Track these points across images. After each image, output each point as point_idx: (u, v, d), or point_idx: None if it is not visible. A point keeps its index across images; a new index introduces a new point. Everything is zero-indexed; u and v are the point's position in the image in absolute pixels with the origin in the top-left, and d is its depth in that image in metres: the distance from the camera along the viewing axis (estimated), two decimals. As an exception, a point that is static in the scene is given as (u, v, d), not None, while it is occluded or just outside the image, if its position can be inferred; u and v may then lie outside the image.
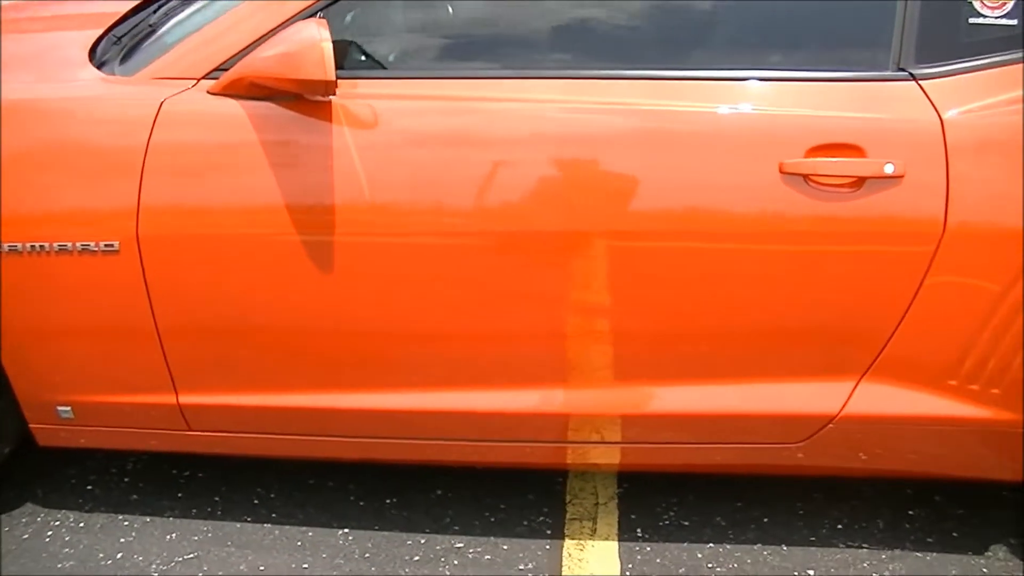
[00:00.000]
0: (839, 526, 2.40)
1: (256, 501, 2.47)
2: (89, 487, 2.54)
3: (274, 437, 2.24)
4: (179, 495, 2.50)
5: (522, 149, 1.98)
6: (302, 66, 1.86)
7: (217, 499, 2.48)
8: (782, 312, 2.03)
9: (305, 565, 2.26)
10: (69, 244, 2.05)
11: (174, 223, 2.03)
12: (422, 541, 2.33)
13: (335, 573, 2.23)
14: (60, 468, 2.60)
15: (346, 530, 2.37)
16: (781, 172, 1.93)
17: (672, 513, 2.44)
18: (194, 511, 2.44)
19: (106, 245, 2.05)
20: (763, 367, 2.08)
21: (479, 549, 2.30)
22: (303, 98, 1.99)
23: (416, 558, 2.28)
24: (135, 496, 2.50)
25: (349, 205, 1.99)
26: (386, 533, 2.36)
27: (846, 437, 2.12)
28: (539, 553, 2.29)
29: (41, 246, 2.06)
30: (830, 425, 2.10)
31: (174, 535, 2.36)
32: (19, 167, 2.05)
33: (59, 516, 2.42)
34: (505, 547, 2.32)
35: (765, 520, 2.42)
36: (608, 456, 2.24)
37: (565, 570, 2.24)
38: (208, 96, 2.04)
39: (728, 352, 2.08)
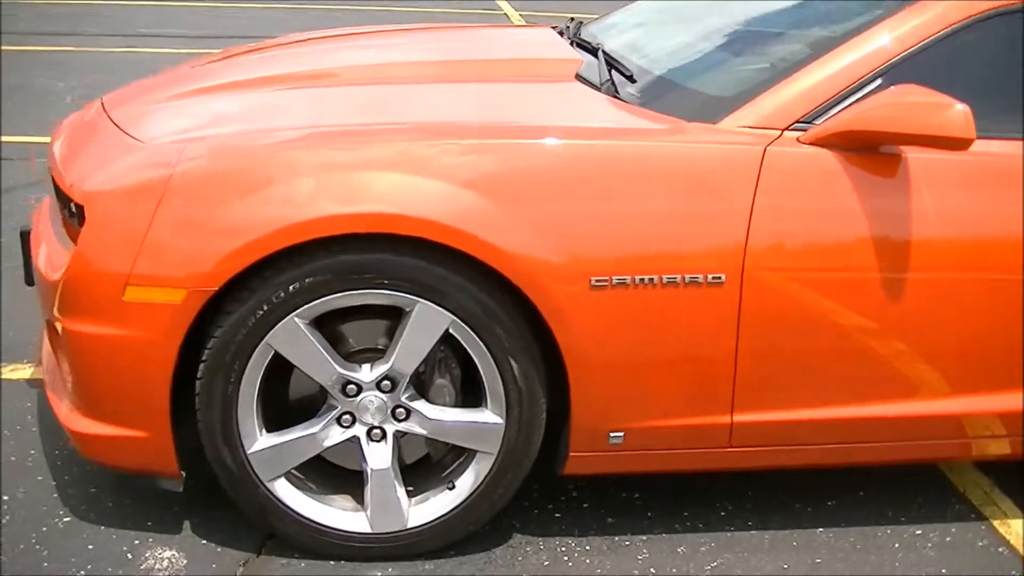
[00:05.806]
0: None
1: (723, 513, 2.71)
2: (553, 510, 2.67)
3: (813, 448, 2.51)
4: (649, 513, 2.69)
5: None
6: (943, 123, 2.20)
7: (686, 513, 2.69)
8: None
9: (818, 560, 2.54)
10: (678, 277, 2.26)
11: (778, 260, 2.29)
12: (888, 531, 2.67)
13: (853, 573, 2.54)
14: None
15: (821, 528, 2.67)
16: None
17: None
18: (678, 526, 2.64)
19: (713, 278, 2.27)
20: None
21: (935, 533, 2.68)
22: (876, 151, 2.34)
23: (896, 545, 2.62)
24: (611, 520, 2.66)
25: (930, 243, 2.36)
26: (860, 528, 2.68)
27: None
28: (983, 528, 2.70)
29: (650, 279, 2.25)
30: None
31: (682, 548, 2.56)
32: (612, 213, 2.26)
33: (555, 543, 2.55)
34: (953, 529, 2.70)
35: None
36: None
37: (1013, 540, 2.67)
38: (800, 145, 2.33)
39: None
